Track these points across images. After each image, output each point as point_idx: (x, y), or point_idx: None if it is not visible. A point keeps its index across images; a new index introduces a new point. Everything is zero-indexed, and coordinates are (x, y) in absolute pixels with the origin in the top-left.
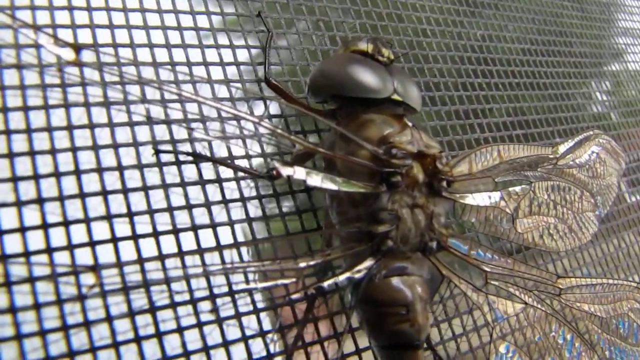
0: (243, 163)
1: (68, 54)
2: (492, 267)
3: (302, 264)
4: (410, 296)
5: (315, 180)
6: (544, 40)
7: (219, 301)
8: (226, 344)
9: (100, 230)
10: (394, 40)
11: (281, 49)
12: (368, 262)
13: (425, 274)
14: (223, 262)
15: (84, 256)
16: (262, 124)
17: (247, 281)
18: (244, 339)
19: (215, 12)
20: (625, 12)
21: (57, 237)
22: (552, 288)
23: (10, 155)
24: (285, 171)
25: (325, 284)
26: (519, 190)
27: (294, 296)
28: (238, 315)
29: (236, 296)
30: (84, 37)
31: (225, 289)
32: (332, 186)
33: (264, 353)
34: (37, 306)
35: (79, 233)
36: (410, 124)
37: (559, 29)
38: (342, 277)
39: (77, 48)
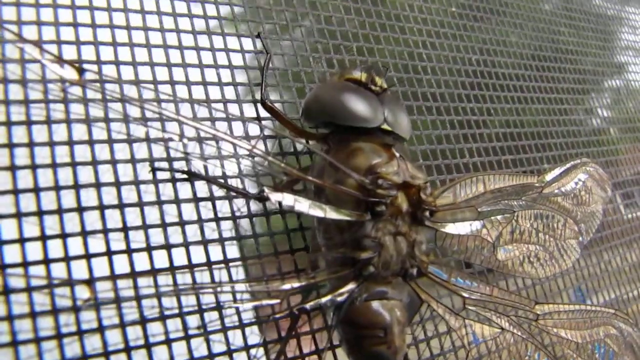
0: (235, 183)
1: (71, 75)
2: (470, 293)
3: (287, 286)
4: (389, 319)
5: (303, 206)
6: (537, 66)
7: (206, 317)
8: (212, 357)
9: (96, 247)
10: (390, 64)
11: (278, 70)
12: (350, 286)
13: (405, 298)
14: (212, 280)
15: (79, 270)
16: (255, 151)
17: (234, 299)
18: (229, 352)
19: (215, 33)
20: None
21: (55, 250)
22: (529, 313)
23: (13, 168)
24: (275, 197)
25: (309, 305)
26: (501, 218)
27: (278, 315)
28: (224, 330)
29: (223, 312)
30: (88, 53)
31: (213, 305)
32: (319, 213)
33: None
34: (33, 315)
35: (75, 248)
36: (397, 154)
37: (553, 55)
38: (325, 299)
39: (81, 70)
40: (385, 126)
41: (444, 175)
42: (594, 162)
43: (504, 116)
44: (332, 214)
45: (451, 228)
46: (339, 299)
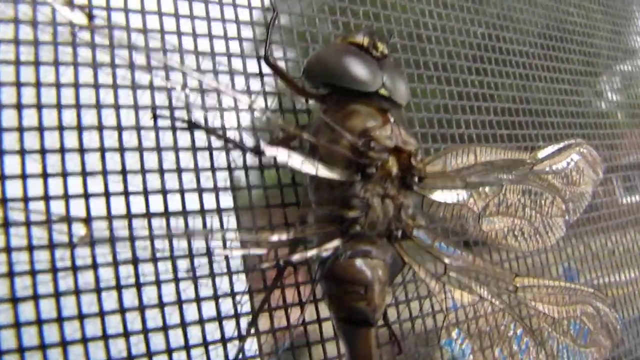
0: (233, 135)
1: (81, 19)
2: (452, 259)
3: (276, 238)
4: (370, 277)
5: (296, 162)
6: (544, 45)
7: (196, 261)
8: (199, 300)
9: (95, 187)
10: (395, 31)
11: (283, 30)
12: (336, 242)
13: (388, 258)
14: (204, 227)
15: (77, 208)
16: (254, 106)
17: (224, 247)
18: (215, 297)
19: None
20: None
21: (55, 188)
22: (509, 285)
23: (19, 107)
24: (270, 151)
25: (295, 258)
26: (489, 190)
27: (265, 265)
28: (212, 275)
29: (212, 258)
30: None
31: (203, 251)
32: (310, 170)
33: (231, 312)
34: (30, 248)
35: (75, 187)
36: (392, 119)
37: (560, 35)
38: (310, 253)
39: (90, 15)
40: (382, 91)
41: (438, 143)
42: (588, 144)
43: (504, 91)
44: (323, 172)
45: (439, 195)
46: (324, 254)
